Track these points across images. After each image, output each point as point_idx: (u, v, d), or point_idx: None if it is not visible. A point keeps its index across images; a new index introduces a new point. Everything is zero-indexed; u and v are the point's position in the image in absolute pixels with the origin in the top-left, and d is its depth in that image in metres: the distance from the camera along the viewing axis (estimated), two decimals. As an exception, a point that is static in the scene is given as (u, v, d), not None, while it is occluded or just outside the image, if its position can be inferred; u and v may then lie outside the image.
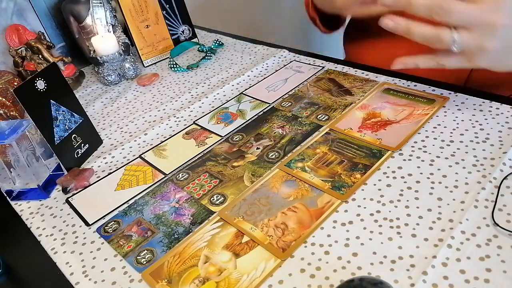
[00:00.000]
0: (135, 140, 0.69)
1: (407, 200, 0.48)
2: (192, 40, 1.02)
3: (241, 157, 0.60)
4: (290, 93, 0.74)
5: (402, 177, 0.51)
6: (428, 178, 0.51)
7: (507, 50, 0.52)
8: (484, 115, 0.59)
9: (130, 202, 0.57)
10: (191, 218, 0.52)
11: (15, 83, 0.78)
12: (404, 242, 0.43)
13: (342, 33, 0.98)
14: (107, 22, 0.92)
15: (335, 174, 0.54)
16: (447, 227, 0.44)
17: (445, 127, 0.58)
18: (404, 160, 0.54)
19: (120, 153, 0.67)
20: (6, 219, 0.60)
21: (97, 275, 0.47)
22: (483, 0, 0.50)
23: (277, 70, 0.82)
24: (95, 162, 0.66)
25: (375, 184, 0.51)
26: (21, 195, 0.61)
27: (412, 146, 0.56)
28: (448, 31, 0.51)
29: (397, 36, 0.55)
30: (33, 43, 0.87)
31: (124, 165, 0.64)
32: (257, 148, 0.62)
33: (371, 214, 0.47)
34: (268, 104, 0.72)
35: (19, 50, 0.87)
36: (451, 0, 0.49)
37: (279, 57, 0.87)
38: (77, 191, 0.60)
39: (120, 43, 0.90)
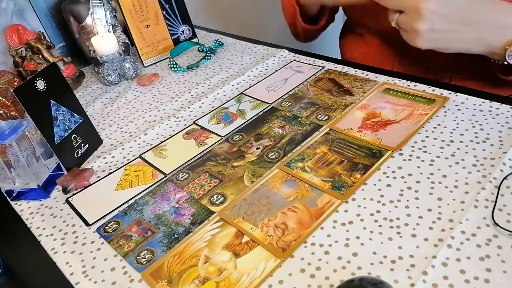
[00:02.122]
0: (135, 140, 0.69)
1: (407, 200, 0.48)
2: (192, 40, 1.02)
3: (241, 157, 0.60)
4: (290, 93, 0.74)
5: (402, 177, 0.51)
6: (428, 178, 0.51)
7: (445, 32, 0.58)
8: (484, 115, 0.59)
9: (130, 202, 0.57)
10: (191, 218, 0.52)
11: (15, 83, 0.78)
12: (404, 242, 0.43)
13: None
14: (107, 22, 0.92)
15: (335, 174, 0.54)
16: (447, 227, 0.44)
17: (445, 127, 0.58)
18: (404, 160, 0.54)
19: (120, 153, 0.67)
20: (6, 219, 0.60)
21: (97, 275, 0.47)
22: None
23: (277, 70, 0.82)
24: (95, 162, 0.66)
25: (375, 184, 0.51)
26: (21, 195, 0.61)
27: (412, 146, 0.56)
28: (393, 13, 0.61)
29: (387, 36, 0.57)
30: (33, 43, 0.87)
31: (124, 165, 0.64)
32: (257, 148, 0.62)
33: (371, 214, 0.47)
34: (268, 104, 0.72)
35: (19, 50, 0.87)
36: None
37: (279, 57, 0.87)
38: (77, 191, 0.60)
39: (120, 43, 0.90)
